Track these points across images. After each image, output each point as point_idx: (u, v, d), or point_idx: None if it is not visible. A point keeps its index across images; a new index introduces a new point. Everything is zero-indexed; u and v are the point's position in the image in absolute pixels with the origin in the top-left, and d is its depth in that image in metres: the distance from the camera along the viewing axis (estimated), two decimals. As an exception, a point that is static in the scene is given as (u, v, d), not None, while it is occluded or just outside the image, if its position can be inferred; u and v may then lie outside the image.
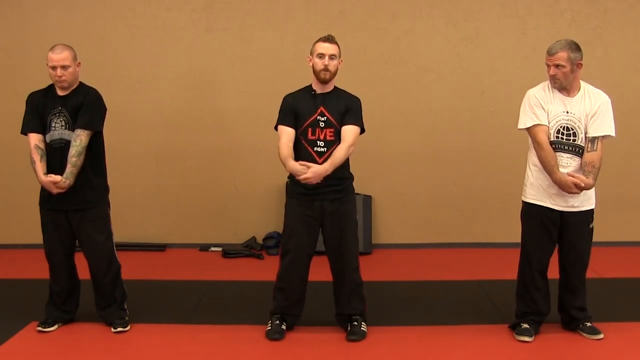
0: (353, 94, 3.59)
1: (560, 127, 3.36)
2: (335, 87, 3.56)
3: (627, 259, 5.04)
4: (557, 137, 3.36)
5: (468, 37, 5.43)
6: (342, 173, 3.50)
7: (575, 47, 3.31)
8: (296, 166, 3.32)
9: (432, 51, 5.45)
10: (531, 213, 3.49)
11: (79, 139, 3.47)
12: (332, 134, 3.47)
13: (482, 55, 5.44)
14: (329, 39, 3.49)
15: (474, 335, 3.59)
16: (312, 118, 3.46)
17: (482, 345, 3.47)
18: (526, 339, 3.47)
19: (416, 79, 5.47)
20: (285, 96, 3.55)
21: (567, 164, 3.35)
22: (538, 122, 3.37)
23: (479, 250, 5.45)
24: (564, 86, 3.37)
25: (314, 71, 3.47)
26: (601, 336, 3.49)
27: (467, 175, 5.54)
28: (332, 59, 3.44)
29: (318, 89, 3.52)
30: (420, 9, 5.42)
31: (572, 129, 3.35)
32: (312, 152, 3.45)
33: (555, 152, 3.35)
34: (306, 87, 3.56)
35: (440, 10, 5.41)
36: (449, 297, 4.27)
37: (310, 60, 3.49)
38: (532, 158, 3.47)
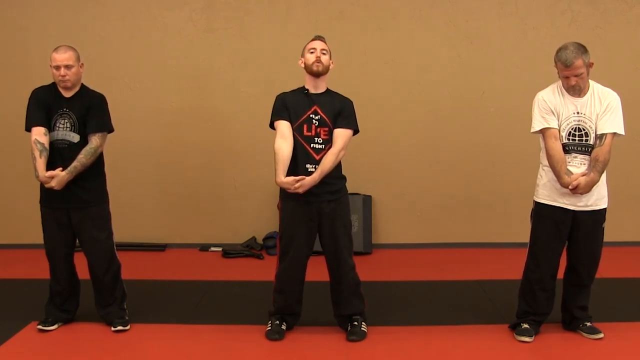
0: (348, 95, 3.59)
1: (572, 128, 3.36)
2: (327, 88, 3.57)
3: (627, 259, 5.05)
4: (569, 139, 3.36)
5: (468, 37, 5.43)
6: (337, 173, 3.52)
7: (584, 49, 3.30)
8: (287, 180, 3.35)
9: (432, 51, 5.45)
10: (543, 213, 3.48)
11: (94, 141, 3.52)
12: (326, 133, 3.47)
13: (482, 55, 5.44)
14: (317, 37, 3.54)
15: (474, 335, 3.59)
16: (305, 116, 3.47)
17: (482, 345, 3.47)
18: (526, 339, 3.47)
19: (416, 79, 5.47)
20: (278, 95, 3.57)
21: (581, 163, 3.35)
22: (547, 126, 3.38)
23: (479, 250, 5.45)
24: (582, 89, 3.37)
25: (306, 67, 3.49)
26: (601, 336, 3.49)
27: (467, 175, 5.54)
28: (324, 53, 3.48)
29: (311, 88, 3.52)
30: (420, 9, 5.42)
31: (584, 129, 3.35)
32: (310, 149, 3.45)
33: (569, 153, 3.36)
34: (299, 87, 3.57)
35: (440, 10, 5.41)
36: (449, 297, 4.27)
37: (302, 62, 3.52)
38: (545, 159, 3.46)
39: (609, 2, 5.38)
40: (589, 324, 3.56)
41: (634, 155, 5.38)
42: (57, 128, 3.52)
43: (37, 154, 3.44)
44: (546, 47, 5.34)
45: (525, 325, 3.52)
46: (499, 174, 5.52)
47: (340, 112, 3.49)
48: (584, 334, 3.53)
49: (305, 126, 3.47)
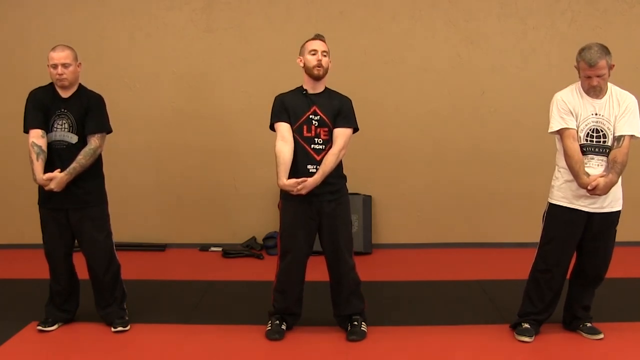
0: (348, 95, 3.58)
1: (590, 129, 3.35)
2: (326, 87, 3.56)
3: (627, 259, 5.04)
4: (587, 140, 3.35)
5: (468, 37, 5.43)
6: (338, 172, 3.52)
7: (607, 50, 3.29)
8: (289, 183, 3.35)
9: (432, 51, 5.45)
10: (557, 215, 3.46)
11: (93, 142, 3.52)
12: (326, 133, 3.47)
13: (482, 55, 5.44)
14: (319, 37, 3.52)
15: (474, 335, 3.59)
16: (305, 116, 3.46)
17: (482, 345, 3.47)
18: (526, 339, 3.47)
19: (416, 78, 5.47)
20: (276, 96, 3.56)
21: (598, 165, 3.35)
22: (565, 126, 3.36)
23: (479, 250, 5.45)
24: (602, 91, 3.36)
25: (307, 69, 3.46)
26: (601, 336, 3.49)
27: (467, 175, 5.54)
28: (324, 55, 3.46)
29: (309, 88, 3.51)
30: (420, 9, 5.42)
31: (602, 131, 3.35)
32: (310, 150, 3.45)
33: (587, 154, 3.35)
34: (297, 87, 3.56)
35: (440, 10, 5.41)
36: (449, 297, 4.27)
37: (301, 61, 3.50)
38: (561, 161, 3.45)
39: (609, 2, 5.38)
40: (589, 324, 3.56)
41: (634, 155, 5.36)
42: (55, 129, 3.52)
43: (34, 156, 3.44)
44: (546, 47, 5.38)
45: (526, 325, 3.52)
46: (499, 173, 5.52)
47: (340, 111, 3.48)
48: (584, 334, 3.53)
49: (305, 127, 3.46)
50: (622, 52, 5.36)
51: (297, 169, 3.43)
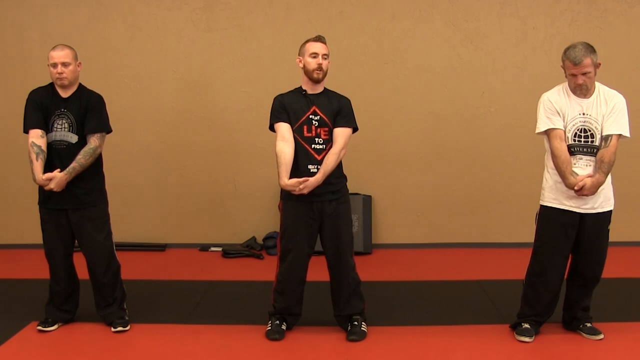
0: (348, 95, 3.59)
1: (578, 129, 3.35)
2: (325, 87, 3.56)
3: (627, 259, 5.05)
4: (575, 140, 3.35)
5: (468, 37, 5.43)
6: (338, 172, 3.53)
7: (592, 49, 3.29)
8: (291, 182, 3.35)
9: (432, 51, 5.45)
10: (549, 216, 3.45)
11: (93, 142, 3.52)
12: (326, 133, 3.47)
13: (482, 55, 5.44)
14: (320, 38, 3.50)
15: (474, 335, 3.59)
16: (305, 117, 3.46)
17: (482, 345, 3.47)
18: (526, 339, 3.47)
19: (416, 78, 5.47)
20: (276, 97, 3.55)
21: (586, 165, 3.34)
22: (552, 127, 3.36)
23: (479, 250, 5.45)
24: (589, 90, 3.36)
25: (306, 71, 3.47)
26: (601, 337, 3.49)
27: (467, 175, 5.54)
28: (325, 58, 3.46)
29: (309, 89, 3.51)
30: (420, 9, 5.42)
31: (590, 131, 3.34)
32: (311, 150, 3.45)
33: (575, 154, 3.34)
34: (296, 88, 3.56)
35: (440, 10, 5.41)
36: (449, 297, 4.27)
37: (301, 61, 3.49)
38: (550, 161, 3.44)
39: (609, 2, 5.38)
40: (589, 324, 3.56)
41: (634, 155, 5.38)
42: (55, 129, 3.52)
43: (33, 157, 3.44)
44: (546, 47, 5.38)
45: (526, 325, 3.52)
46: (499, 174, 5.52)
47: (339, 111, 3.49)
48: (584, 334, 3.53)
49: (305, 127, 3.46)
50: (622, 52, 5.39)
51: (298, 169, 3.44)
